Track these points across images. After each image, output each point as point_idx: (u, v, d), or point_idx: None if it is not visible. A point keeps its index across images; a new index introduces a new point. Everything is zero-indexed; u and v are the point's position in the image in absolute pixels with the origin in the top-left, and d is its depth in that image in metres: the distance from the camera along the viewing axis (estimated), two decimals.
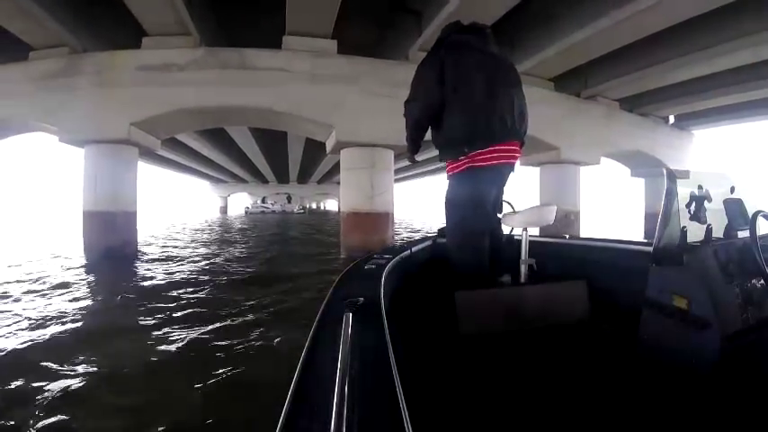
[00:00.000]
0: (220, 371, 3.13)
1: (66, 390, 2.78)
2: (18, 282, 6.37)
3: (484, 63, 1.97)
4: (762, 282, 1.24)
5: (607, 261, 2.08)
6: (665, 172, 1.26)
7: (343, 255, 9.05)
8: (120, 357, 3.37)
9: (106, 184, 8.31)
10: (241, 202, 53.34)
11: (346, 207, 9.04)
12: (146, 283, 6.41)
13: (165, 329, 4.15)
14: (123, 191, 8.59)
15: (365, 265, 1.66)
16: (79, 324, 4.30)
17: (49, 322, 4.31)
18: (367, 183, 8.67)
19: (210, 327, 4.22)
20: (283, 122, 9.81)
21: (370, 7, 8.43)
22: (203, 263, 8.63)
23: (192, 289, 6.00)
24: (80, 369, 3.14)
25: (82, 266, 7.74)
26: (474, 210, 1.99)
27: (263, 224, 24.06)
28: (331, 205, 77.57)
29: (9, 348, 3.54)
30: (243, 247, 11.93)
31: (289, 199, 44.49)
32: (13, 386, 2.82)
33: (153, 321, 4.42)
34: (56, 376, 3.00)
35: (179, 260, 8.91)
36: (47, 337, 3.87)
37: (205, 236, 16.09)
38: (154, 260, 8.81)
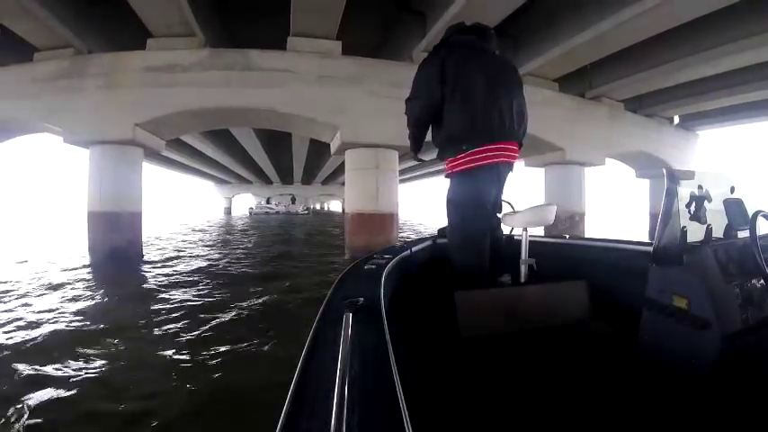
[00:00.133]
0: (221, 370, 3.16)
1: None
2: (24, 282, 6.43)
3: (485, 63, 1.97)
4: (762, 282, 1.24)
5: (607, 261, 2.07)
6: (664, 172, 1.26)
7: (348, 256, 9.05)
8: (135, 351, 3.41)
9: (111, 185, 8.35)
10: (245, 203, 53.43)
11: (351, 208, 9.05)
12: (149, 284, 6.46)
13: (165, 328, 4.21)
14: (128, 191, 8.62)
15: (365, 265, 1.66)
16: (94, 320, 4.39)
17: (59, 319, 4.37)
18: (372, 183, 8.68)
19: (209, 327, 4.27)
20: (288, 123, 9.82)
21: (374, 8, 8.45)
22: (206, 263, 8.67)
23: (194, 289, 6.04)
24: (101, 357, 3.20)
25: (86, 266, 7.80)
26: (474, 210, 2.00)
27: (265, 225, 24.09)
28: (335, 206, 77.62)
29: (14, 344, 3.61)
30: (245, 249, 11.98)
31: (293, 200, 44.49)
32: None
33: (152, 322, 4.47)
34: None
35: (183, 260, 8.96)
36: (53, 333, 3.92)
37: (208, 236, 16.17)
38: (158, 261, 8.87)
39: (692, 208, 1.32)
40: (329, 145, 10.04)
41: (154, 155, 10.72)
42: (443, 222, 2.28)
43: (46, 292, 5.76)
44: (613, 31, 7.27)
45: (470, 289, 1.79)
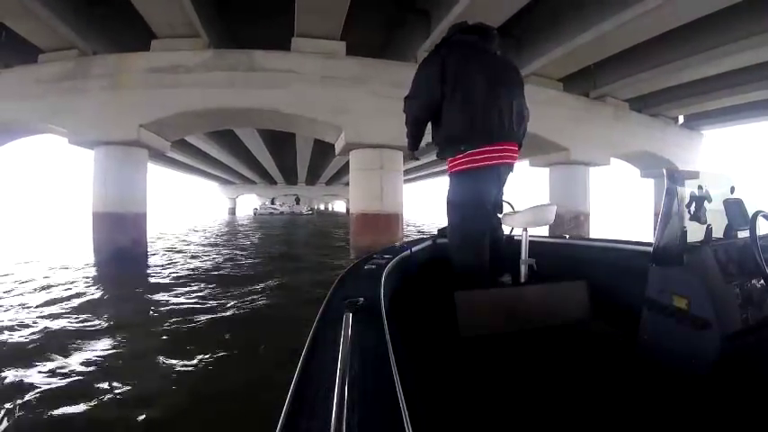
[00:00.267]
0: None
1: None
2: (28, 282, 6.49)
3: (486, 63, 1.97)
4: (762, 282, 1.23)
5: (607, 261, 2.07)
6: (664, 172, 1.25)
7: (353, 256, 9.03)
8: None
9: (116, 186, 8.39)
10: (250, 204, 53.58)
11: (356, 208, 9.04)
12: (151, 284, 6.51)
13: (165, 327, 4.29)
14: (133, 192, 8.67)
15: (365, 265, 1.66)
16: (97, 316, 4.47)
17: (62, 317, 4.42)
18: (376, 184, 8.66)
19: (209, 327, 4.33)
20: (292, 124, 9.83)
21: (378, 8, 8.44)
22: (211, 265, 8.71)
23: (194, 289, 6.09)
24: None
25: (91, 266, 7.85)
26: (474, 210, 2.00)
27: (269, 226, 24.15)
28: (339, 207, 77.58)
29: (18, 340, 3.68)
30: (251, 251, 12.01)
31: (297, 200, 44.58)
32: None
33: (153, 321, 4.53)
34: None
35: (187, 261, 9.01)
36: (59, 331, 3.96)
37: (212, 238, 16.20)
38: (163, 261, 8.90)
39: (692, 208, 1.32)
40: (333, 145, 10.03)
41: (159, 156, 10.75)
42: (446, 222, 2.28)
43: (49, 291, 5.81)
44: (615, 32, 7.24)
45: (470, 289, 1.79)
